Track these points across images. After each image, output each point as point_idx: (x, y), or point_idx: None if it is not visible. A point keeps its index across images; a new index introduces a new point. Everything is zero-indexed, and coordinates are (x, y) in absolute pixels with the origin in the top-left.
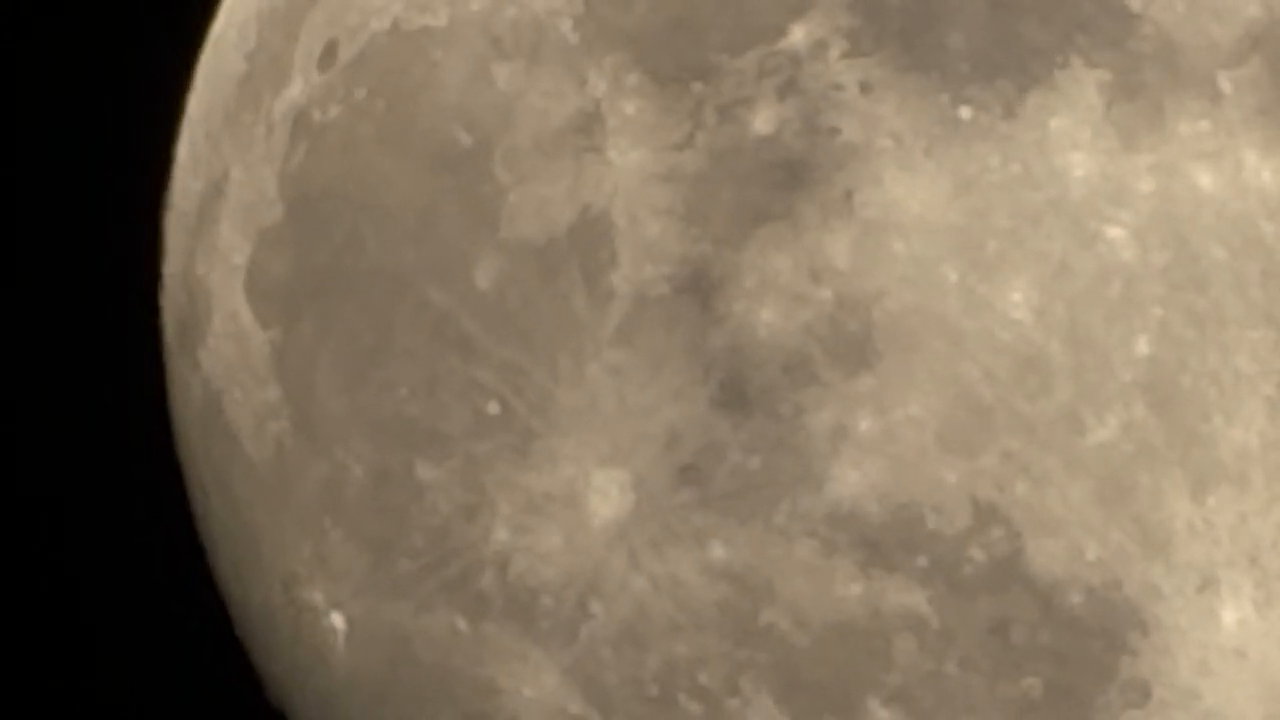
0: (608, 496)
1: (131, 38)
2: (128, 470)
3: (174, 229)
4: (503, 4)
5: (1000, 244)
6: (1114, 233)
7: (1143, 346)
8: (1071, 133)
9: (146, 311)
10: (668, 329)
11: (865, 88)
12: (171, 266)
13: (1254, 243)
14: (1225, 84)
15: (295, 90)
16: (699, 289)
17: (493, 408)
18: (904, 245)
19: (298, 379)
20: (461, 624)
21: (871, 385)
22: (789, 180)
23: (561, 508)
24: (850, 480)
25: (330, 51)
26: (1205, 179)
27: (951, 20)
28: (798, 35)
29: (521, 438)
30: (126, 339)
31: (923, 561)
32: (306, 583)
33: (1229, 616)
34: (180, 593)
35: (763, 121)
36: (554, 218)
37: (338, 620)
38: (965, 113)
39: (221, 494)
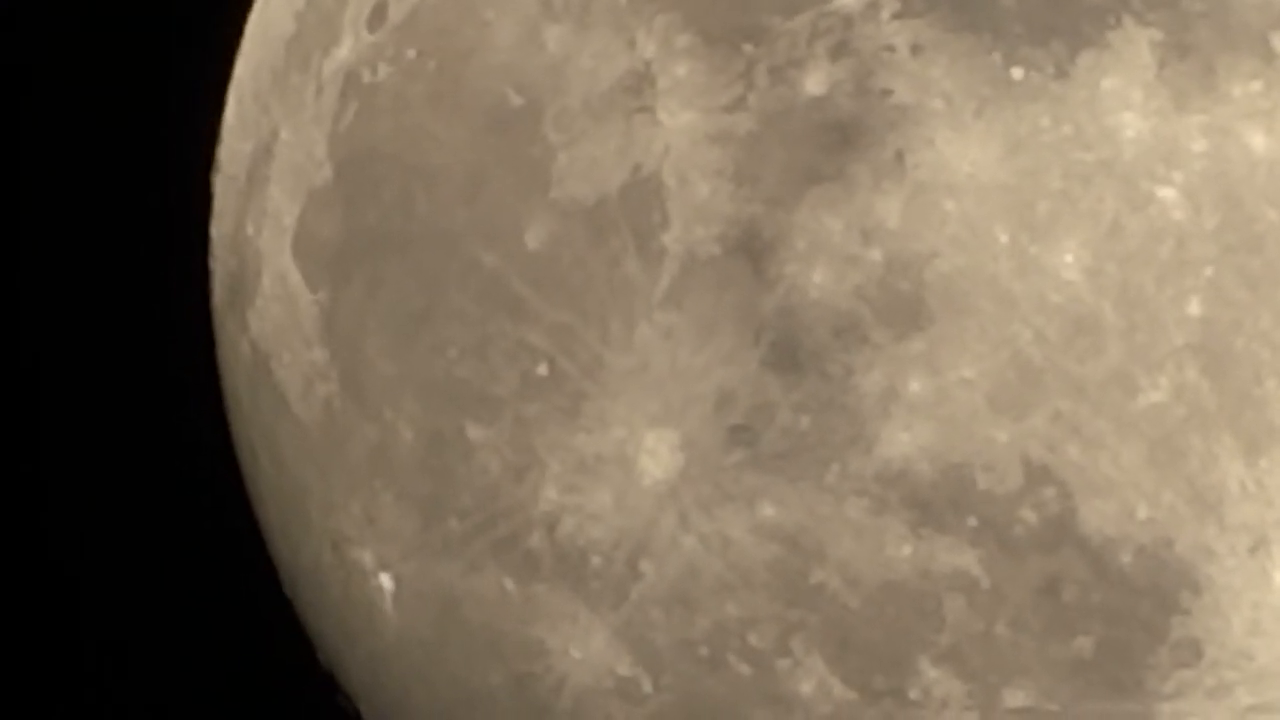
0: (658, 456)
1: None
2: (177, 431)
3: (223, 190)
4: None
5: (1052, 205)
6: (1166, 193)
7: (1195, 308)
8: (1123, 93)
9: (196, 273)
10: (719, 291)
11: (917, 49)
12: (220, 228)
13: None
14: (1278, 44)
15: (345, 50)
16: (750, 250)
17: (543, 369)
18: (955, 206)
19: (346, 340)
20: (510, 584)
21: (922, 346)
22: (840, 141)
23: (611, 468)
24: (901, 441)
25: (380, 11)
26: (1257, 139)
27: None
28: None
29: (571, 399)
30: (176, 300)
31: (973, 522)
32: (356, 543)
33: None
34: (228, 553)
35: (814, 83)
36: (604, 179)
37: (386, 580)
38: (1017, 73)
39: (270, 455)
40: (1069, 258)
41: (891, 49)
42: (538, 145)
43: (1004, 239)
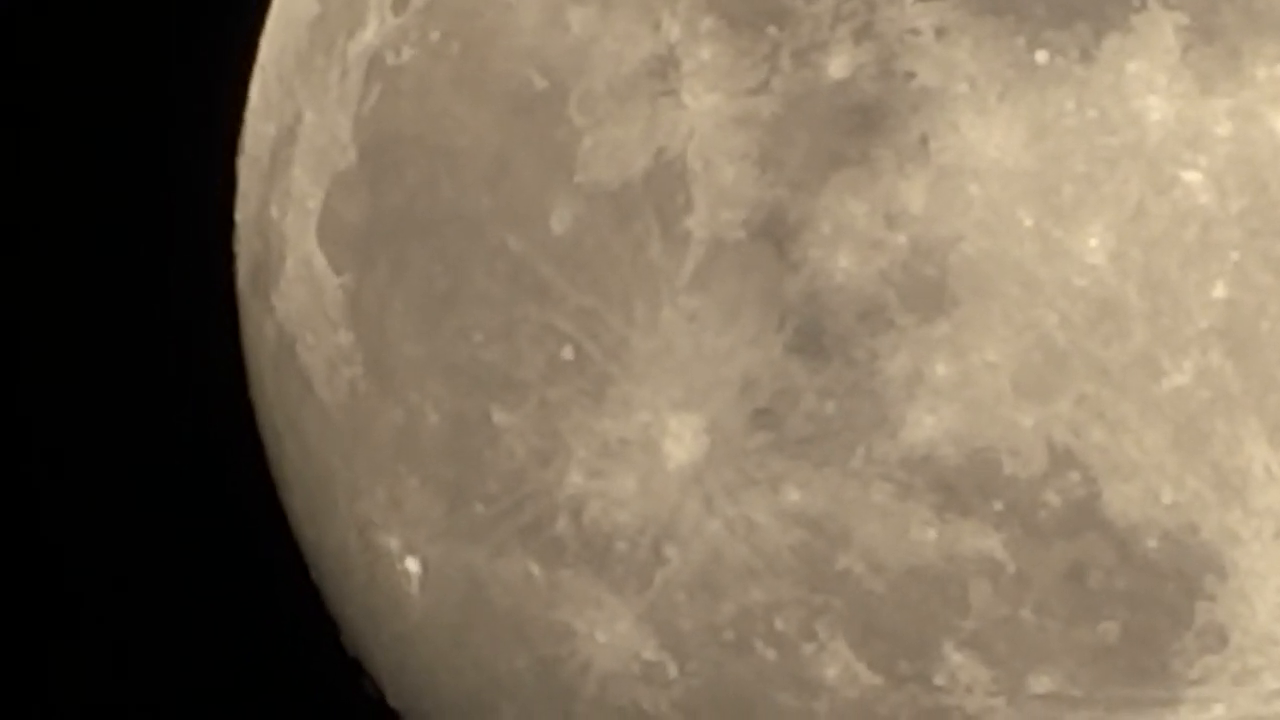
0: (682, 441)
1: None
2: (201, 415)
3: (247, 173)
4: None
5: (1076, 188)
6: (1191, 177)
7: (1219, 291)
8: (1148, 77)
9: (220, 257)
10: (743, 275)
11: (941, 32)
12: (245, 211)
13: None
14: None
15: (369, 33)
16: (774, 234)
17: (568, 353)
18: (980, 190)
19: (371, 324)
20: (536, 569)
21: (947, 330)
22: (864, 125)
23: (636, 452)
24: (926, 425)
25: None
26: None
27: None
28: None
29: (596, 383)
30: (200, 284)
31: (998, 506)
32: (381, 528)
33: None
34: (254, 537)
35: (838, 66)
36: (629, 162)
37: (412, 565)
38: (1041, 57)
39: (295, 439)
40: (1094, 241)
41: (915, 32)
42: (562, 128)
43: (1028, 223)
